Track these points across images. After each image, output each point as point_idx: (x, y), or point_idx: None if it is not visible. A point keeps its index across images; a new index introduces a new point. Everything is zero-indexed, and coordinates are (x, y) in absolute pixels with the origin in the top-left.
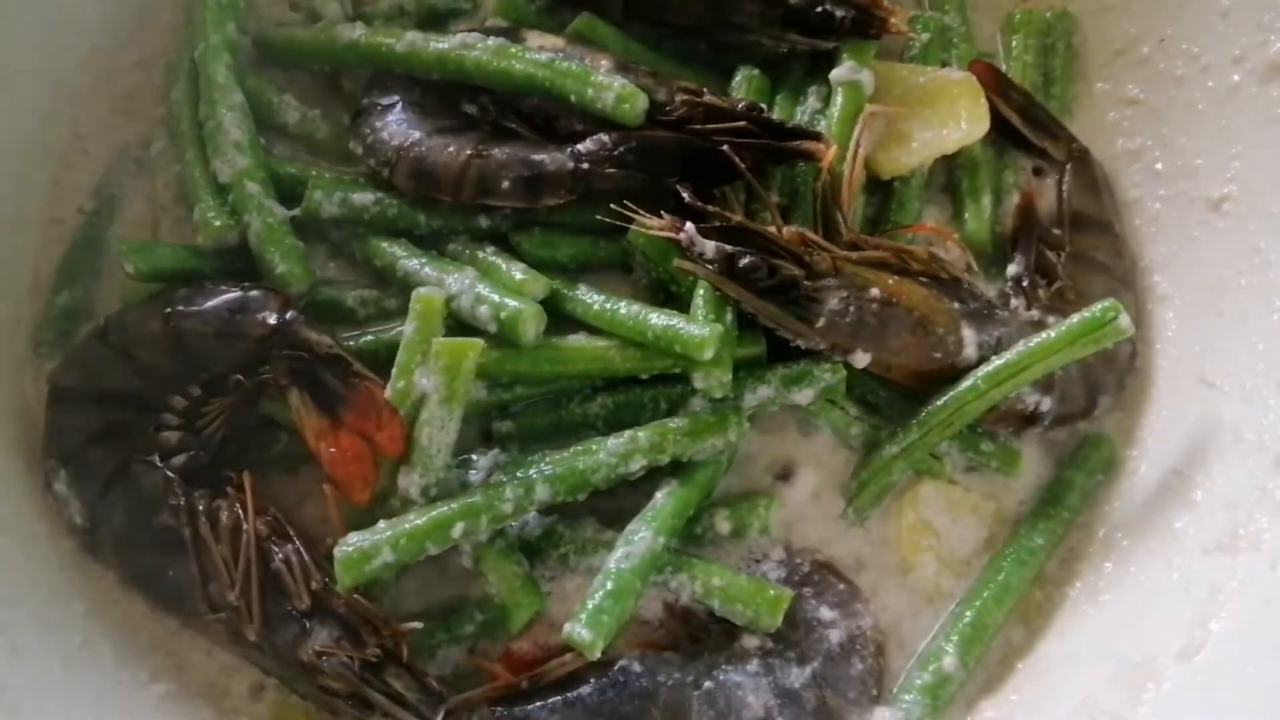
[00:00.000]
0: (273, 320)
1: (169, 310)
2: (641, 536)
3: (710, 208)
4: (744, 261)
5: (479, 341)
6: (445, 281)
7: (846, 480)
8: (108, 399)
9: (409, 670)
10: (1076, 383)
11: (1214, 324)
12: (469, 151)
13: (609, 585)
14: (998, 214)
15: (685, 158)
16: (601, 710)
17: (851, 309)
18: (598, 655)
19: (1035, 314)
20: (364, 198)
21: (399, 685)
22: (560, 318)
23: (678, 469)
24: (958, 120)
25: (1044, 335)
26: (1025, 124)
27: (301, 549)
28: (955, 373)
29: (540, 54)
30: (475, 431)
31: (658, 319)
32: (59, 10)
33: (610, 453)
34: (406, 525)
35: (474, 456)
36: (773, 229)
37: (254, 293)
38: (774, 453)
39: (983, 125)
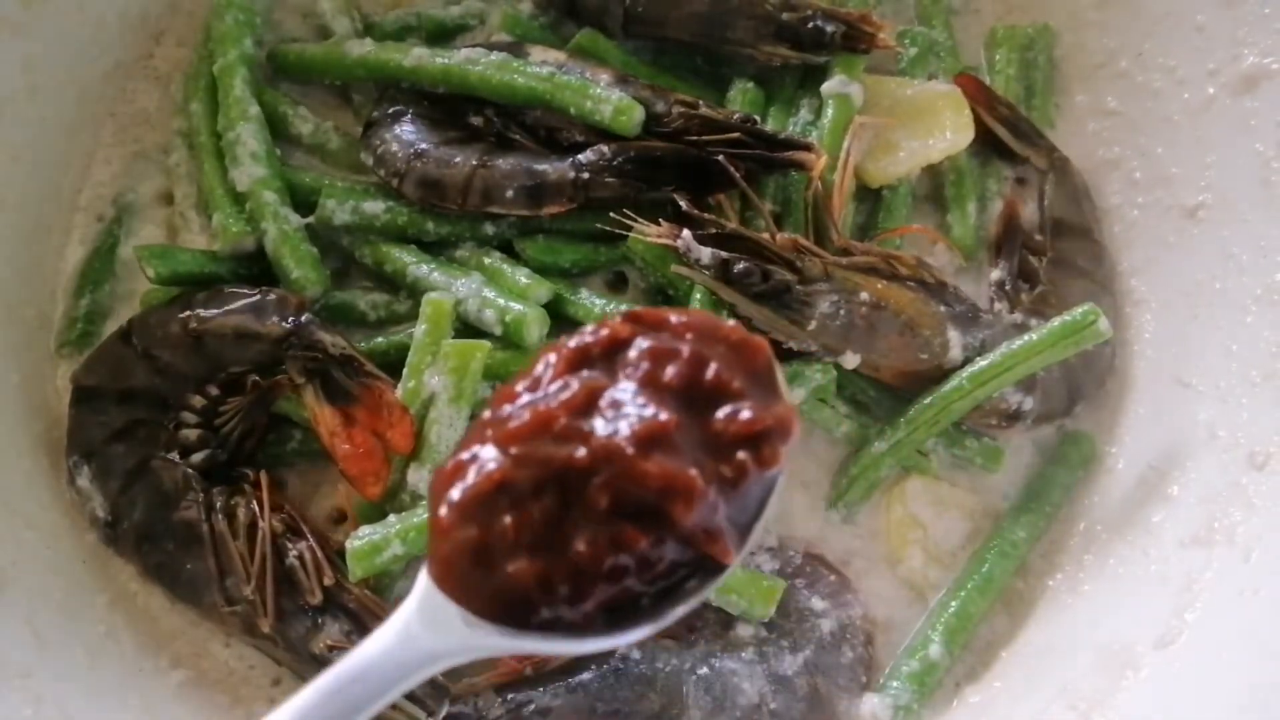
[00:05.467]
0: (288, 323)
1: (189, 313)
2: None
3: (706, 215)
4: (739, 267)
5: (486, 343)
6: (453, 286)
7: (836, 476)
8: (129, 398)
9: None
10: (1058, 383)
11: (1189, 326)
12: (474, 162)
13: None
14: (982, 221)
15: (682, 167)
16: (602, 695)
17: (842, 312)
18: None
19: (1018, 317)
20: (375, 206)
21: None
22: (563, 321)
23: None
24: (943, 131)
25: (1026, 337)
26: (1009, 134)
27: (315, 546)
28: (941, 373)
29: (542, 68)
30: None
31: None
32: (83, 28)
33: None
34: (415, 519)
35: None
36: (766, 236)
37: (270, 296)
38: None
39: (967, 135)
